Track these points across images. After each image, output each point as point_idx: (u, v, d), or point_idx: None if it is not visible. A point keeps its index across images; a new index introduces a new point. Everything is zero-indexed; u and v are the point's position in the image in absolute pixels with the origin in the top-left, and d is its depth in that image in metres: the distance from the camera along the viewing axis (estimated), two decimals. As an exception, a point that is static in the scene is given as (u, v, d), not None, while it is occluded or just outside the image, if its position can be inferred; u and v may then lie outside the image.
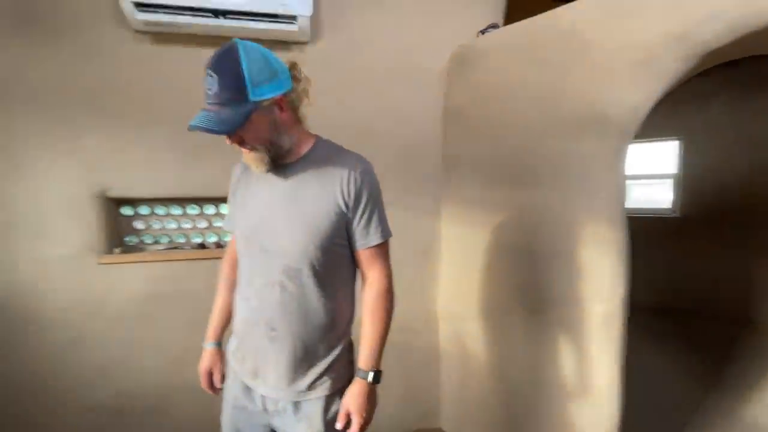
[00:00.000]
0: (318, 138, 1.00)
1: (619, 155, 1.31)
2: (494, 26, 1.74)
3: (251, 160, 0.90)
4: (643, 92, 1.22)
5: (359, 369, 0.97)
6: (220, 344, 1.14)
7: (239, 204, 1.01)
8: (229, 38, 1.52)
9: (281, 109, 0.89)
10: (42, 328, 1.60)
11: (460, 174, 1.82)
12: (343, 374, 1.00)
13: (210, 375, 1.13)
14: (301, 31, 1.56)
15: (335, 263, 0.96)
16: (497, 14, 1.88)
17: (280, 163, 0.93)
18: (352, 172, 0.92)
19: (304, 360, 0.95)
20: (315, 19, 1.64)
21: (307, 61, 1.67)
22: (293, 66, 0.93)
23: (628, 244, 1.34)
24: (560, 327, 1.44)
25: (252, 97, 0.82)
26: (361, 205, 0.93)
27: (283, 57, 0.96)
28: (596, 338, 1.34)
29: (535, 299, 1.50)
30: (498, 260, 1.66)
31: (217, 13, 1.44)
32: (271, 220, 0.93)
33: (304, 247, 0.91)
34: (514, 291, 1.59)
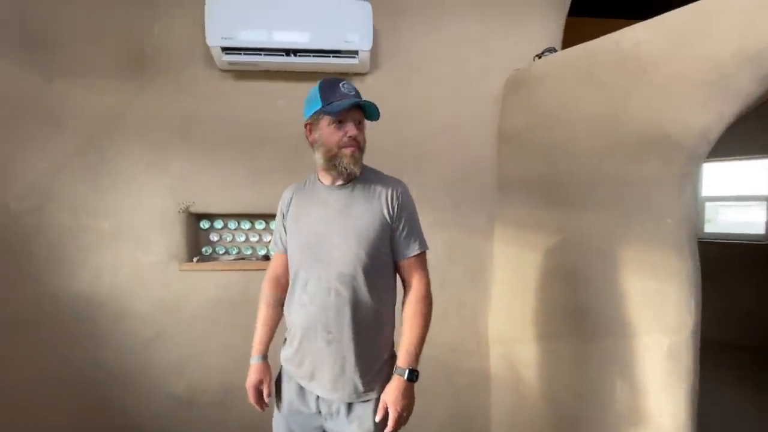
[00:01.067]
0: (364, 165, 1.13)
1: (687, 179, 1.24)
2: (551, 50, 1.74)
3: (354, 157, 1.04)
4: (714, 114, 1.16)
5: (397, 367, 1.05)
6: (266, 357, 1.21)
7: (293, 221, 1.13)
8: (298, 73, 1.72)
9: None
10: (132, 323, 1.84)
11: (514, 195, 1.82)
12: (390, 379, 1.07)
13: (258, 390, 1.16)
14: (362, 63, 1.69)
15: (381, 271, 1.08)
16: (554, 38, 1.88)
17: (338, 177, 1.07)
18: (394, 191, 1.08)
19: (357, 362, 1.03)
20: (373, 50, 1.76)
21: (366, 89, 1.82)
22: None
23: (697, 272, 1.25)
24: (619, 357, 1.36)
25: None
26: (403, 220, 1.07)
27: None
28: (660, 372, 1.26)
29: (592, 326, 1.44)
30: (552, 284, 1.61)
31: (288, 52, 1.62)
32: (326, 233, 1.06)
33: (356, 256, 1.03)
34: (568, 316, 1.54)
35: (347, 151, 1.03)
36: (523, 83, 1.77)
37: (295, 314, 1.11)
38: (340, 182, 1.09)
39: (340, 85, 1.05)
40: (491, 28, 1.88)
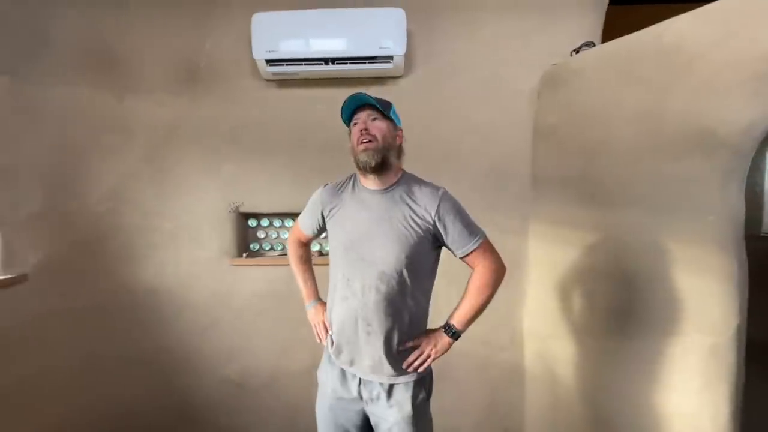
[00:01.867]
0: (404, 171, 1.21)
1: (732, 176, 1.20)
2: (589, 44, 1.71)
3: (367, 150, 1.10)
4: (760, 109, 1.11)
5: (447, 322, 1.16)
6: (319, 300, 1.39)
7: (337, 222, 1.22)
8: (335, 79, 1.82)
9: (400, 138, 1.20)
10: (190, 312, 2.04)
11: (549, 193, 1.81)
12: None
13: (323, 324, 1.31)
14: (396, 67, 1.76)
15: (419, 271, 1.14)
16: (594, 32, 1.84)
17: (378, 179, 1.14)
18: (435, 199, 1.12)
19: (393, 353, 1.13)
20: (408, 53, 1.81)
21: (401, 92, 1.90)
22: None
23: (744, 271, 1.21)
24: (658, 357, 1.34)
25: (390, 114, 1.17)
26: (448, 224, 1.12)
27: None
28: (701, 372, 1.24)
29: (630, 325, 1.43)
30: (588, 281, 1.61)
31: (326, 60, 1.72)
32: (368, 235, 1.13)
33: (396, 259, 1.10)
34: (606, 315, 1.53)
35: (362, 146, 1.11)
36: (560, 79, 1.76)
37: (338, 307, 1.20)
38: (382, 186, 1.16)
39: (353, 96, 1.15)
40: (527, 24, 1.87)
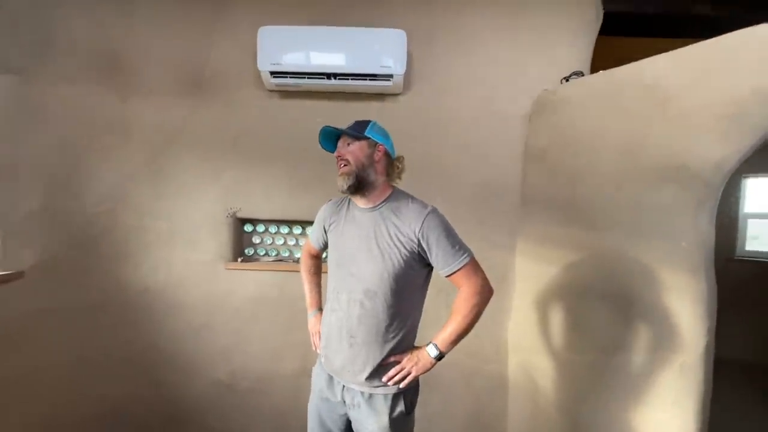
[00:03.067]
0: (395, 188, 1.26)
1: (704, 206, 1.30)
2: (578, 74, 1.81)
3: (342, 174, 1.19)
4: (731, 147, 1.21)
5: (430, 341, 1.19)
6: (321, 310, 1.44)
7: (333, 238, 1.29)
8: (335, 93, 1.90)
9: (379, 154, 1.21)
10: (183, 313, 2.06)
11: (536, 213, 1.90)
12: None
13: (318, 334, 1.38)
14: (396, 85, 1.83)
15: (405, 288, 1.18)
16: (584, 61, 1.94)
17: (363, 198, 1.21)
18: (420, 216, 1.15)
19: (375, 365, 1.17)
20: (407, 73, 1.89)
21: (398, 109, 1.97)
22: (400, 157, 1.27)
23: (713, 295, 1.30)
24: (632, 372, 1.43)
25: (367, 133, 1.20)
26: (433, 244, 1.15)
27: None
28: (672, 389, 1.32)
29: (607, 342, 1.52)
30: (570, 299, 1.69)
31: (329, 75, 1.79)
32: (356, 251, 1.20)
33: (380, 276, 1.15)
34: (585, 331, 1.62)
35: (339, 171, 1.20)
36: (550, 105, 1.85)
37: (327, 317, 1.28)
38: (370, 205, 1.21)
39: (323, 129, 1.23)
40: (521, 51, 1.97)
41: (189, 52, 1.95)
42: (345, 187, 1.17)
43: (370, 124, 1.23)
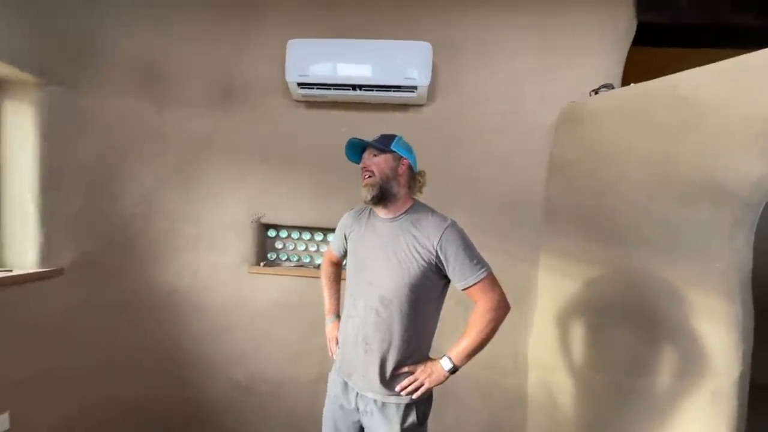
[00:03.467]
0: (416, 201, 1.28)
1: (740, 226, 1.24)
2: (608, 86, 1.77)
3: (365, 186, 1.21)
4: (771, 164, 1.15)
5: (445, 354, 1.18)
6: (339, 317, 1.46)
7: (352, 246, 1.32)
8: (360, 103, 1.94)
9: (403, 168, 1.24)
10: (206, 315, 2.13)
11: (560, 225, 1.86)
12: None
13: (336, 340, 1.41)
14: (420, 96, 1.84)
15: (421, 298, 1.19)
16: (614, 73, 1.89)
17: (385, 209, 1.23)
18: (439, 229, 1.16)
19: (388, 373, 1.19)
20: (431, 84, 1.90)
21: (422, 120, 1.98)
22: (422, 172, 1.29)
23: (749, 319, 1.24)
24: (659, 396, 1.37)
25: (393, 147, 1.23)
26: (450, 257, 1.15)
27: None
28: (702, 417, 1.26)
29: (631, 363, 1.46)
30: (592, 315, 1.64)
31: (354, 86, 1.82)
32: (375, 260, 1.22)
33: (396, 285, 1.17)
34: (608, 350, 1.56)
35: (363, 182, 1.22)
36: (578, 117, 1.81)
37: (343, 323, 1.31)
38: (391, 215, 1.24)
39: (350, 141, 1.26)
40: (548, 62, 1.94)
41: (221, 64, 2.03)
42: (369, 197, 1.20)
43: (396, 138, 1.26)
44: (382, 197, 1.20)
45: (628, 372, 1.47)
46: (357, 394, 1.25)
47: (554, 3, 1.91)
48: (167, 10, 2.00)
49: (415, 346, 1.21)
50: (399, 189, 1.22)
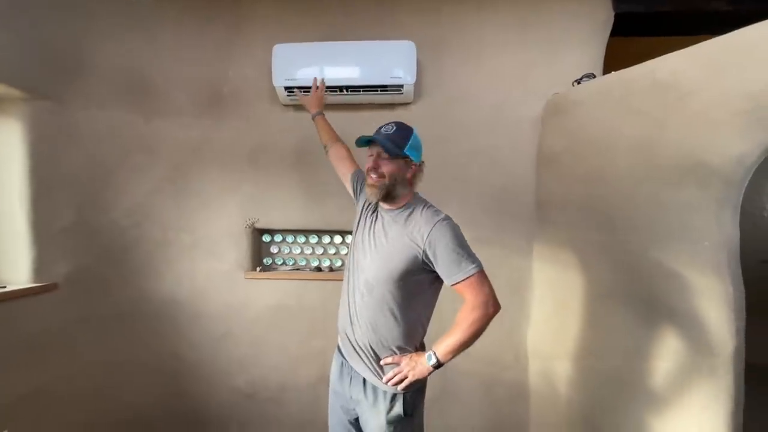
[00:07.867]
0: (416, 194, 1.29)
1: (725, 204, 1.26)
2: (590, 76, 1.80)
3: (373, 186, 1.22)
4: (751, 142, 1.18)
5: (430, 349, 1.19)
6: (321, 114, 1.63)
7: (356, 225, 1.37)
8: (349, 105, 1.95)
9: (413, 171, 1.25)
10: (204, 322, 2.12)
11: (552, 216, 1.88)
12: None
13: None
14: (407, 95, 1.87)
15: (409, 290, 1.20)
16: (595, 63, 1.93)
17: (387, 203, 1.25)
18: (430, 224, 1.16)
19: (375, 357, 1.22)
20: (417, 82, 1.92)
21: (410, 117, 2.00)
22: (422, 163, 1.31)
23: (740, 296, 1.25)
24: (659, 377, 1.38)
25: (406, 151, 1.21)
26: (438, 253, 1.14)
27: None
28: (701, 393, 1.27)
29: (630, 347, 1.47)
30: (589, 303, 1.66)
31: (341, 88, 1.84)
32: (368, 246, 1.26)
33: (378, 271, 1.20)
34: (607, 336, 1.57)
35: (370, 181, 1.22)
36: (562, 108, 1.84)
37: (340, 308, 1.36)
38: (390, 207, 1.26)
39: (382, 127, 1.25)
40: (531, 55, 1.97)
41: (208, 72, 2.05)
42: (374, 200, 1.25)
43: (411, 137, 1.23)
44: (387, 196, 1.23)
45: (628, 356, 1.48)
46: (351, 380, 1.28)
47: (534, -2, 1.95)
48: (152, 21, 2.01)
49: (406, 336, 1.22)
50: (401, 189, 1.25)
